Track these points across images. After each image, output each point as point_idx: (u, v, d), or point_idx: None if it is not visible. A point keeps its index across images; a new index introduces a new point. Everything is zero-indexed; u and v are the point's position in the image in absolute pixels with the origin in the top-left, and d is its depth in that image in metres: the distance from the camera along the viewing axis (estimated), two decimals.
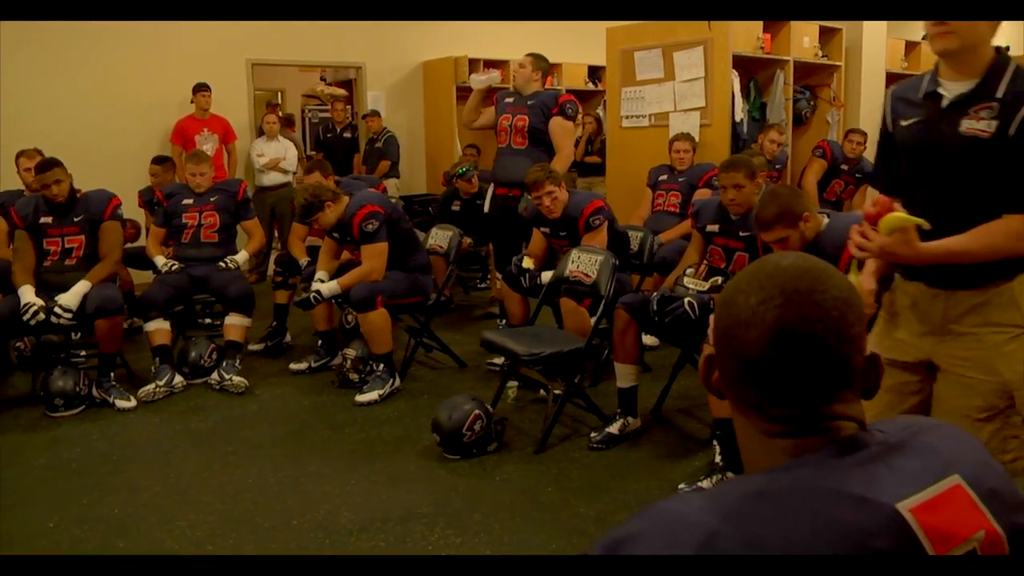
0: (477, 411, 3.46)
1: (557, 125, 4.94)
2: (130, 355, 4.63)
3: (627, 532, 0.79)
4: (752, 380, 0.88)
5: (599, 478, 3.31)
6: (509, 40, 8.78)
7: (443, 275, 5.03)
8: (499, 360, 4.61)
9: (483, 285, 6.86)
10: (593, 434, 3.64)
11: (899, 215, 1.85)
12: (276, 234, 7.43)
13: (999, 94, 1.85)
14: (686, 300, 3.43)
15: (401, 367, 4.49)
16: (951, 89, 1.92)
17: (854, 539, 0.77)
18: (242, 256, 4.81)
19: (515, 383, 4.12)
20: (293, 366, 4.70)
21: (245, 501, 3.14)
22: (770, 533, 0.76)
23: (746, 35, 5.87)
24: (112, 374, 4.21)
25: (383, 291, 4.21)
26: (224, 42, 7.42)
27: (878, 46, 7.31)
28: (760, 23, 6.03)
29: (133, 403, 4.12)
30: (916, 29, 10.34)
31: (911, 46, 8.22)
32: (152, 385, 4.24)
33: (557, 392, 3.75)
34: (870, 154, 6.82)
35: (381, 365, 4.26)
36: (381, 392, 4.19)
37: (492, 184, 5.32)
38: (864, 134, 6.56)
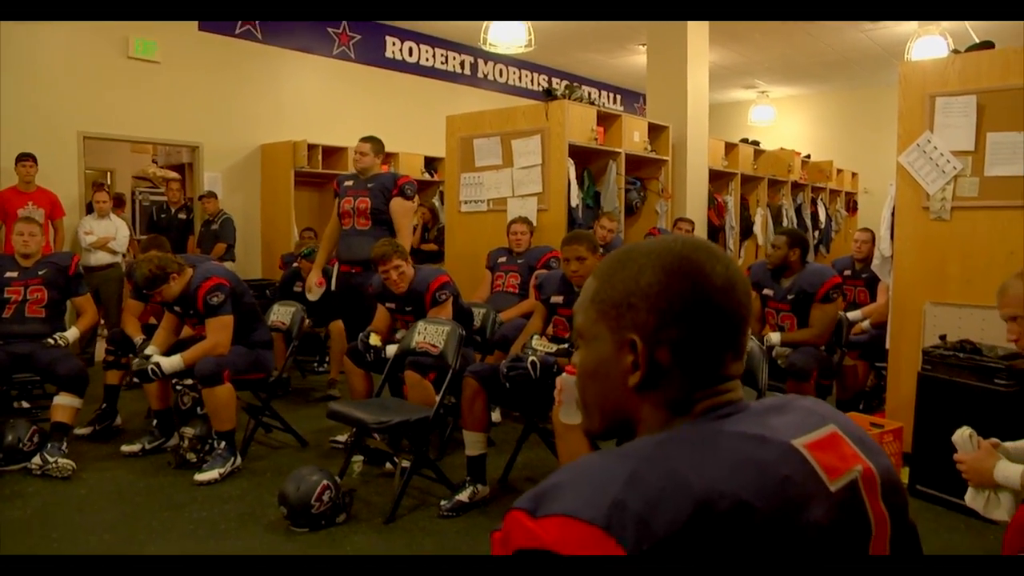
0: (326, 482, 3.40)
1: (397, 205, 5.10)
2: None
3: (550, 484, 0.82)
4: (677, 334, 0.92)
5: (451, 544, 3.31)
6: (348, 128, 8.94)
7: (283, 353, 4.96)
8: (343, 437, 4.56)
9: (321, 368, 6.75)
10: (443, 502, 3.65)
11: None
12: (102, 319, 7.06)
13: None
14: (530, 359, 3.55)
15: (241, 447, 4.33)
16: None
17: (763, 468, 0.84)
18: (72, 333, 4.56)
19: (360, 457, 4.07)
20: (125, 448, 4.43)
21: None
22: (687, 468, 0.81)
23: (581, 127, 6.23)
24: None
25: (229, 365, 4.10)
26: (53, 112, 7.10)
27: (701, 145, 7.95)
28: (594, 116, 6.42)
29: None
30: (736, 133, 11.33)
31: (730, 146, 8.97)
32: None
33: (405, 464, 3.74)
34: None
35: (223, 443, 4.11)
36: (222, 470, 4.03)
37: (336, 263, 5.35)
38: (691, 222, 7.06)
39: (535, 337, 3.81)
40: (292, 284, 6.17)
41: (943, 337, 4.01)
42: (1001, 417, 3.43)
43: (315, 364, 6.81)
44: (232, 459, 4.11)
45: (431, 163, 9.68)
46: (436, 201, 9.10)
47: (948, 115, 4.21)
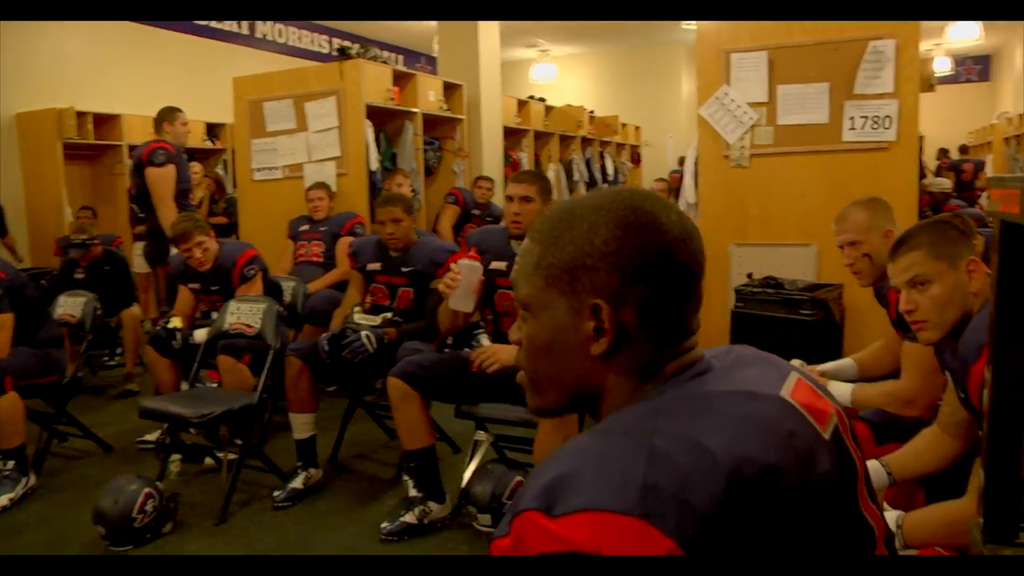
0: (148, 489, 3.05)
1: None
2: None
3: (557, 476, 0.73)
4: (643, 305, 0.86)
5: (293, 536, 3.12)
6: (119, 93, 8.15)
7: (71, 350, 4.43)
8: (152, 436, 4.17)
9: (112, 362, 6.14)
10: (276, 493, 3.42)
11: None
12: None
13: None
14: (363, 333, 3.38)
15: (33, 463, 3.78)
16: None
17: (771, 425, 0.80)
18: None
19: (178, 456, 3.72)
20: None
21: None
22: (703, 437, 0.75)
23: (377, 87, 6.00)
24: None
25: (13, 370, 3.56)
26: None
27: (495, 103, 7.92)
28: (390, 75, 6.20)
29: None
30: (519, 91, 11.44)
31: (522, 104, 9.03)
32: None
33: (231, 457, 3.46)
34: (497, 199, 7.33)
35: (10, 463, 3.55)
36: (12, 495, 3.49)
37: None
38: (491, 180, 7.05)
39: (356, 310, 3.63)
40: (72, 272, 5.53)
41: (750, 275, 4.23)
42: (808, 343, 3.66)
43: (105, 358, 6.18)
44: (25, 479, 3.59)
45: (213, 129, 9.03)
46: (220, 170, 8.53)
47: (742, 70, 4.41)
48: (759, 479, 0.74)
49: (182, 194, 4.99)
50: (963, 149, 12.91)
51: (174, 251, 4.85)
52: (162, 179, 4.84)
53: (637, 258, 0.85)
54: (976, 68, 15.49)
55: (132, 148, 7.14)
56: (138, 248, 5.86)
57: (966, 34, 10.77)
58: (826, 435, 0.86)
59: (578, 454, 0.75)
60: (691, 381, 0.86)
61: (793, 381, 0.90)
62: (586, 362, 0.88)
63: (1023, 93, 11.88)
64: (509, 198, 3.14)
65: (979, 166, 11.57)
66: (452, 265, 2.95)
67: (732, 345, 0.98)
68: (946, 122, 13.14)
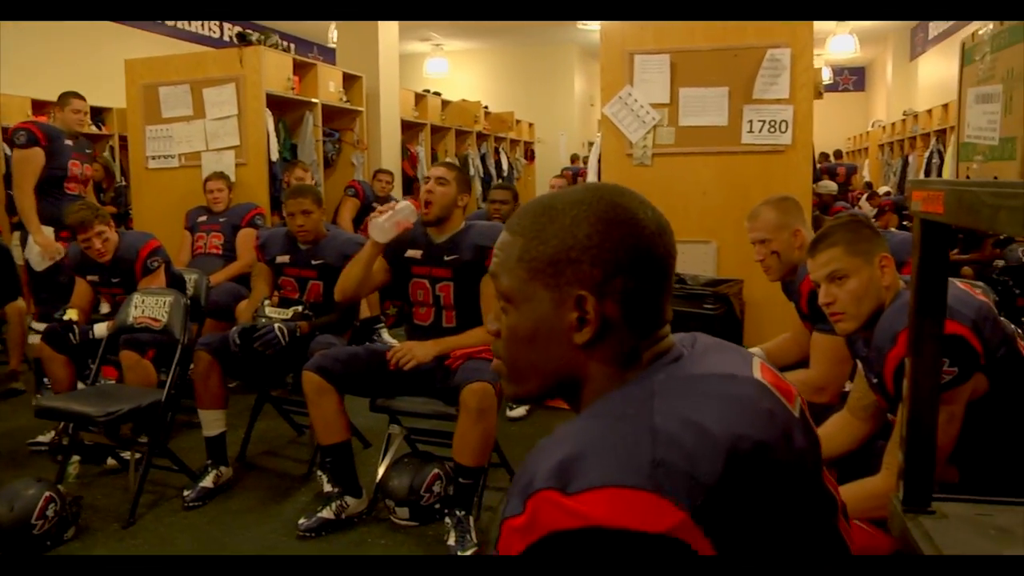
0: (48, 493, 2.88)
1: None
2: None
3: (564, 457, 0.77)
4: (625, 294, 0.90)
5: (206, 537, 3.03)
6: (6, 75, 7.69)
7: None
8: (46, 437, 3.97)
9: None
10: (186, 492, 3.32)
11: None
12: None
13: None
14: (276, 326, 3.33)
15: None
16: None
17: (753, 404, 0.86)
18: None
19: (77, 457, 3.56)
20: None
21: None
22: (699, 416, 0.80)
23: (277, 75, 5.88)
24: None
25: None
26: None
27: (393, 95, 7.88)
28: (291, 64, 6.09)
29: None
30: (412, 85, 11.36)
31: (419, 97, 8.98)
32: None
33: (138, 456, 3.34)
34: (396, 193, 7.31)
35: None
36: None
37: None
38: (391, 173, 7.00)
39: (266, 304, 3.57)
40: None
41: None
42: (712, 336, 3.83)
43: None
44: None
45: (99, 114, 8.61)
46: (108, 156, 8.16)
47: (646, 71, 4.53)
48: (753, 454, 0.80)
49: (55, 181, 4.74)
50: (837, 154, 13.63)
51: (31, 243, 4.70)
52: (20, 162, 4.62)
53: (619, 252, 0.89)
54: (852, 79, 16.38)
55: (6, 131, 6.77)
56: (16, 238, 5.57)
57: (844, 46, 11.37)
58: (796, 413, 0.93)
59: (581, 435, 0.80)
60: (670, 366, 0.91)
61: (758, 364, 0.97)
62: (568, 351, 0.92)
63: (894, 103, 12.62)
64: (291, 214, 3.52)
65: (851, 170, 12.25)
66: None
67: (693, 333, 1.04)
68: (826, 128, 13.83)
